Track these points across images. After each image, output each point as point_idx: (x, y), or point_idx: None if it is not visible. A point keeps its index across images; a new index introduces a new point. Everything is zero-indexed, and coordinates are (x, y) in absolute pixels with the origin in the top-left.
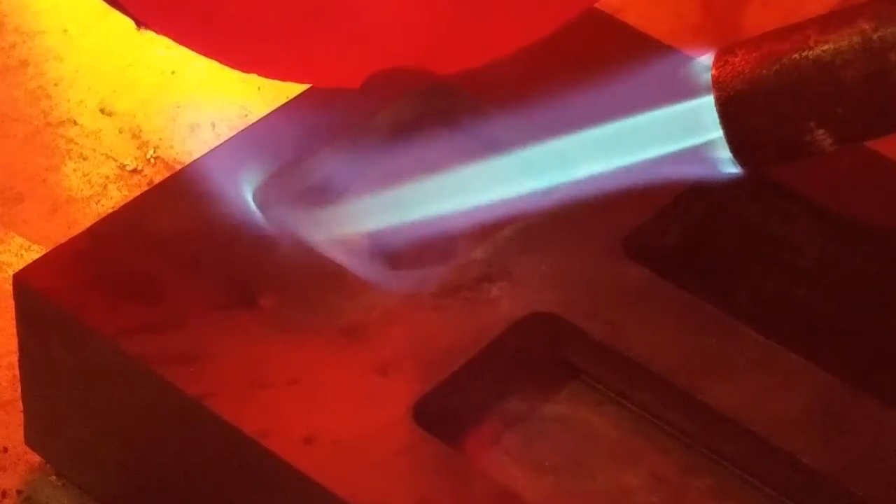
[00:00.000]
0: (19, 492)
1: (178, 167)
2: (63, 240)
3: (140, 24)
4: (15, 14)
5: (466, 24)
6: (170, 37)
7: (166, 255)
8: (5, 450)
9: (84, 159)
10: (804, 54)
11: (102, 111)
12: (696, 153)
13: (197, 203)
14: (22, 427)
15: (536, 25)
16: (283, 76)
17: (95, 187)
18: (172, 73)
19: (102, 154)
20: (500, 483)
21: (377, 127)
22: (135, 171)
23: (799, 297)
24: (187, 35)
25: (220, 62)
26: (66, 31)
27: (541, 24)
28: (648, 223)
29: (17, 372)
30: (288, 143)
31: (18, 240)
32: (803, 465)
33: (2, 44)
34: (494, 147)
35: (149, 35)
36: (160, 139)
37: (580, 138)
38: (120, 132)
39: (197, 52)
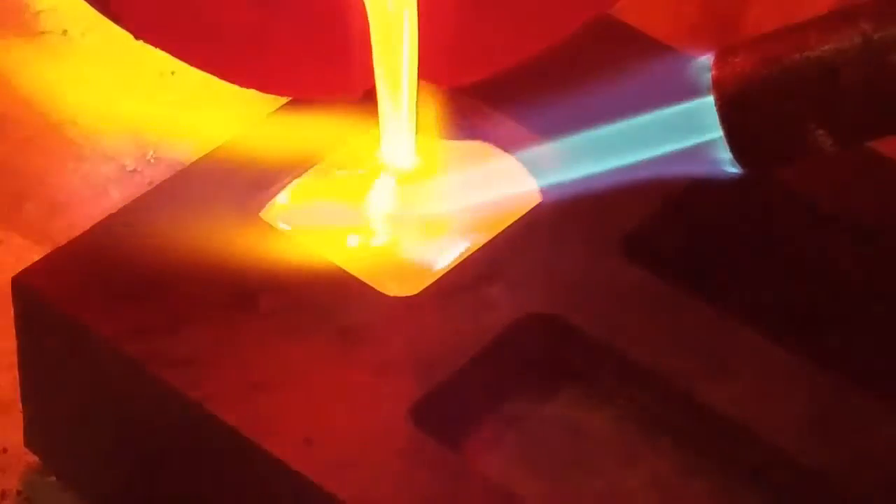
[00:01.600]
0: (19, 492)
1: (178, 168)
2: (63, 241)
3: (137, 37)
4: (15, 15)
5: (469, 37)
6: (167, 51)
7: (166, 256)
8: (5, 450)
9: (84, 160)
10: (804, 55)
11: (102, 112)
12: (697, 153)
13: (197, 204)
14: (21, 428)
15: (540, 37)
16: (284, 91)
17: (95, 188)
18: (172, 73)
19: (102, 155)
20: (498, 484)
21: None
22: (135, 171)
23: (799, 297)
24: (183, 50)
25: (218, 77)
26: (65, 31)
27: (544, 35)
28: (648, 223)
29: (17, 373)
30: (287, 145)
31: (18, 240)
32: (803, 465)
33: (2, 43)
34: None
35: None
36: (160, 140)
37: (580, 138)
38: (120, 133)
39: (194, 66)
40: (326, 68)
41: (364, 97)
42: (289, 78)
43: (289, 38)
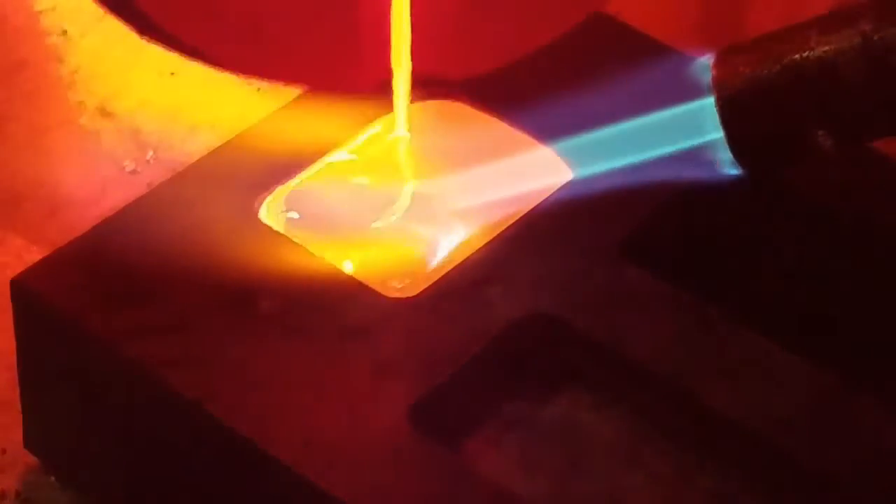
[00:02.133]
0: (18, 493)
1: (178, 169)
2: (62, 242)
3: (142, 32)
4: (15, 15)
5: (473, 29)
6: (174, 47)
7: (165, 257)
8: (4, 451)
9: (84, 160)
10: (805, 55)
11: (102, 112)
12: (697, 154)
13: (196, 205)
14: (21, 428)
15: (542, 30)
16: (289, 79)
17: (95, 189)
18: (172, 74)
19: (102, 155)
20: (498, 485)
21: None
22: (134, 172)
23: (798, 297)
24: (192, 41)
25: (225, 68)
26: (65, 32)
27: (547, 28)
28: (648, 224)
29: (16, 373)
30: (287, 146)
31: (18, 241)
32: (803, 465)
33: (2, 44)
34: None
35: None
36: (159, 141)
37: (580, 139)
38: (119, 133)
39: (203, 60)
40: (332, 59)
41: (374, 91)
42: (295, 67)
43: (296, 26)
